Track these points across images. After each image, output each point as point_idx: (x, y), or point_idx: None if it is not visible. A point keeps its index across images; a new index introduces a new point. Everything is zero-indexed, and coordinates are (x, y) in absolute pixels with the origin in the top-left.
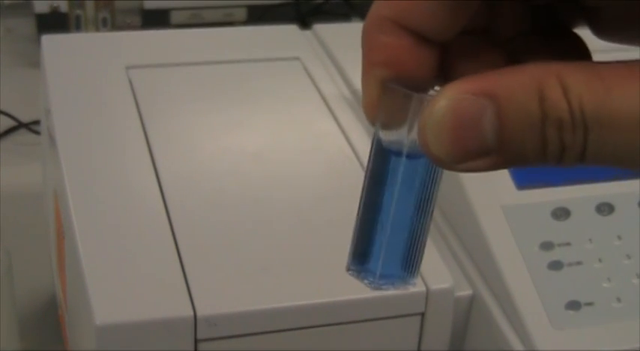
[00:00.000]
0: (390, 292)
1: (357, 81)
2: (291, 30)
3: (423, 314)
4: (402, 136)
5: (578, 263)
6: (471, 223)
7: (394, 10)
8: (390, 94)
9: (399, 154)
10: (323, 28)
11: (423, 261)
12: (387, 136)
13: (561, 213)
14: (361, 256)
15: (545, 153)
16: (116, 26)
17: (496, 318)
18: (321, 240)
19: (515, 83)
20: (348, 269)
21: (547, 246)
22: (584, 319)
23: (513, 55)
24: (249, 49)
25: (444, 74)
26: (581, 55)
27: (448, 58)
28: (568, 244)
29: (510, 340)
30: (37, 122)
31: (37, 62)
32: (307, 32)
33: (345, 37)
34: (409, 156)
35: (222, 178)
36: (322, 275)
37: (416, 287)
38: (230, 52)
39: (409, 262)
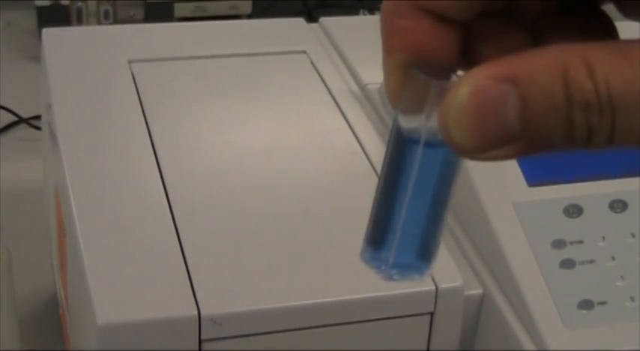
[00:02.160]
0: (400, 290)
1: (364, 75)
2: (297, 23)
3: (432, 314)
4: (421, 124)
5: (591, 261)
6: (481, 220)
7: None
8: (411, 79)
9: (417, 141)
10: (330, 22)
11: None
12: (407, 123)
13: (573, 210)
14: (375, 244)
15: (572, 137)
16: (118, 19)
17: (507, 317)
18: (328, 237)
19: (538, 66)
20: (362, 256)
21: (559, 244)
22: (596, 319)
23: (538, 36)
24: (254, 43)
25: (467, 58)
26: (609, 35)
27: (470, 42)
28: (580, 241)
29: (521, 339)
30: (37, 117)
31: (37, 56)
32: (314, 25)
33: (352, 31)
34: (428, 144)
35: (226, 174)
36: (329, 274)
37: (425, 286)
38: (235, 46)
39: (424, 252)
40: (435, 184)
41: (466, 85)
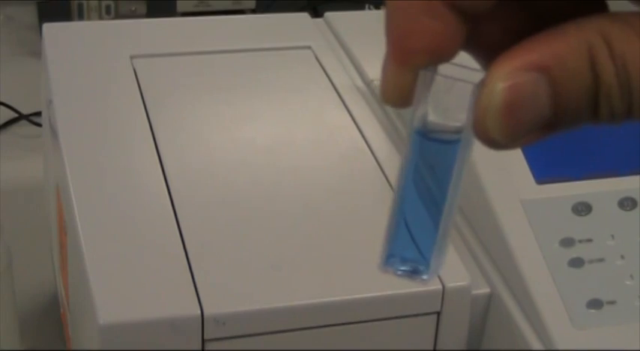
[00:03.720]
0: (406, 289)
1: (370, 71)
2: (302, 18)
3: (439, 313)
4: (434, 121)
5: (600, 260)
6: (488, 218)
7: None
8: (428, 80)
9: (428, 138)
10: (335, 16)
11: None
12: (419, 122)
13: (582, 208)
14: (388, 240)
15: (597, 115)
16: (120, 14)
17: (515, 317)
18: (334, 236)
19: (565, 50)
20: (380, 263)
21: (567, 242)
22: (605, 318)
23: (537, 11)
24: (258, 38)
25: (471, 42)
26: (600, 7)
27: (478, 29)
28: (589, 240)
29: (529, 339)
30: (38, 114)
31: (38, 51)
32: (319, 20)
33: (358, 26)
34: (441, 141)
35: (230, 172)
36: (335, 272)
37: (432, 285)
38: (238, 41)
39: (430, 250)
40: (446, 181)
41: (498, 81)
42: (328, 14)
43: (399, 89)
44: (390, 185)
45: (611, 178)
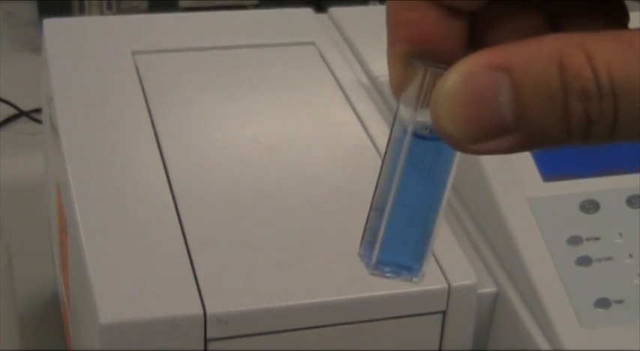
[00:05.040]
0: (411, 288)
1: (374, 67)
2: (305, 13)
3: (444, 312)
4: (413, 114)
5: (608, 259)
6: (495, 216)
7: None
8: (411, 70)
9: (412, 133)
10: (339, 12)
11: (444, 257)
12: (405, 114)
13: (590, 206)
14: (367, 240)
15: (569, 128)
16: (122, 9)
17: (521, 316)
18: (338, 234)
19: (533, 54)
20: (358, 252)
21: (575, 240)
22: (613, 318)
23: (551, 20)
24: (261, 34)
25: (477, 46)
26: (620, 21)
27: (481, 29)
28: (597, 238)
29: (536, 339)
30: (38, 110)
31: (38, 47)
32: (323, 16)
33: (362, 21)
34: (421, 136)
35: (232, 169)
36: (338, 271)
37: (437, 284)
38: (241, 37)
39: (415, 251)
40: (427, 178)
41: (456, 73)
42: (332, 9)
43: (395, 79)
44: None
45: (619, 175)
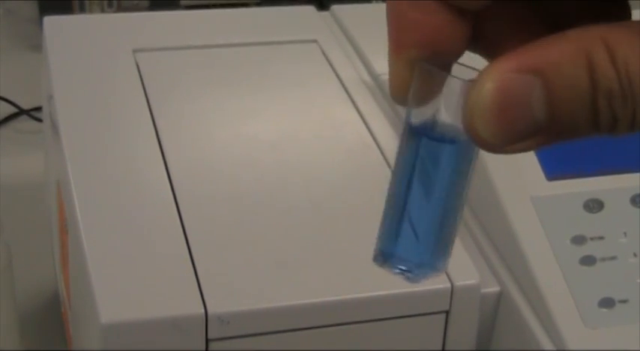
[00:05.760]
0: (414, 287)
1: (377, 65)
2: (308, 11)
3: (447, 312)
4: (436, 119)
5: (612, 258)
6: (498, 215)
7: None
8: (425, 75)
9: (428, 136)
10: (342, 9)
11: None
12: (419, 118)
13: (594, 205)
14: (387, 242)
15: (597, 124)
16: (122, 7)
17: (525, 316)
18: (340, 233)
19: (562, 54)
20: (374, 256)
21: (579, 240)
22: (618, 317)
23: (552, 16)
24: (263, 32)
25: (480, 44)
26: (622, 16)
27: (483, 27)
28: (601, 237)
29: (540, 339)
30: (38, 109)
31: (38, 45)
32: (325, 13)
33: (365, 19)
34: (439, 139)
35: (234, 168)
36: (341, 271)
37: (440, 284)
38: (243, 35)
39: (436, 249)
40: (448, 180)
41: (489, 81)
42: (335, 7)
43: (397, 82)
44: None
45: (624, 174)
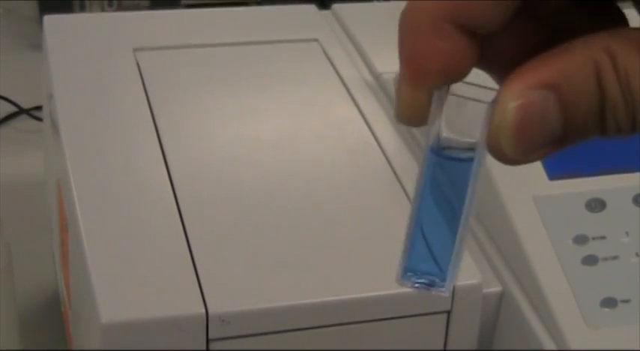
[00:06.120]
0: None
1: (378, 64)
2: (309, 10)
3: (449, 312)
4: (447, 138)
5: (614, 258)
6: (500, 215)
7: (454, 8)
8: (442, 99)
9: (442, 155)
10: (343, 8)
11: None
12: (432, 139)
13: (596, 204)
14: (404, 256)
15: (605, 131)
16: (123, 6)
17: (527, 316)
18: (341, 233)
19: (571, 66)
20: (396, 274)
21: (581, 239)
22: (620, 317)
23: (550, 26)
24: (264, 31)
25: (482, 61)
26: (619, 25)
27: (486, 45)
28: (603, 237)
29: (542, 339)
30: (38, 108)
31: (38, 44)
32: (326, 12)
33: (366, 18)
34: (450, 157)
35: (235, 167)
36: (342, 270)
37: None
38: (244, 34)
39: (446, 262)
40: (459, 195)
41: (511, 100)
42: (336, 6)
43: (414, 109)
44: (399, 180)
45: (625, 174)
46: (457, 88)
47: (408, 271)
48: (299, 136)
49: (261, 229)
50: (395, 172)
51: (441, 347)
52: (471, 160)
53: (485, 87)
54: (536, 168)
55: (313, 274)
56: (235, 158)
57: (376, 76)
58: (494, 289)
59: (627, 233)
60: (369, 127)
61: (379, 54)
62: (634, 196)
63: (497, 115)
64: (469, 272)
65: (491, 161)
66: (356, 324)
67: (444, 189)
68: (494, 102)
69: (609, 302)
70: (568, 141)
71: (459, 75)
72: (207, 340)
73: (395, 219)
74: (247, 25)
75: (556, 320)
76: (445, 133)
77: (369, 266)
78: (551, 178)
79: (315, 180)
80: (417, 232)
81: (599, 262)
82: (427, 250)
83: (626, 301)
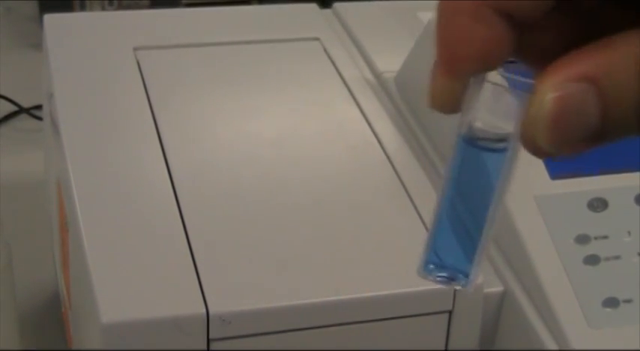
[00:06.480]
0: (417, 287)
1: (379, 63)
2: (310, 9)
3: (450, 312)
4: (481, 128)
5: (616, 257)
6: (502, 214)
7: None
8: (477, 87)
9: (474, 145)
10: (344, 7)
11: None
12: (464, 128)
13: (598, 204)
14: (429, 249)
15: None
16: (123, 5)
17: (528, 316)
18: (343, 232)
19: (612, 61)
20: (418, 267)
21: (583, 239)
22: (622, 317)
23: (586, 19)
24: (265, 29)
25: (520, 51)
26: None
27: (525, 35)
28: (605, 237)
29: (544, 339)
30: (38, 107)
31: (39, 43)
32: (327, 11)
33: (367, 17)
34: (482, 146)
35: (236, 166)
36: (343, 270)
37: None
38: (245, 33)
39: (470, 256)
40: (490, 189)
41: (549, 91)
42: (337, 5)
43: (447, 96)
44: (399, 178)
45: (628, 173)
46: (493, 77)
47: (431, 263)
48: (300, 135)
49: (262, 229)
50: (396, 171)
51: (443, 347)
52: (503, 150)
53: (521, 78)
54: (538, 167)
55: (314, 274)
56: (236, 157)
57: (377, 75)
58: (496, 288)
59: (629, 233)
60: (370, 126)
61: (380, 53)
62: (636, 196)
63: (534, 106)
64: None
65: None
66: (357, 324)
67: (473, 180)
68: (531, 92)
69: (611, 302)
70: (606, 137)
71: (496, 61)
72: (208, 340)
73: (396, 218)
74: (248, 23)
75: (558, 320)
76: (479, 123)
77: (370, 266)
78: (553, 178)
79: (316, 179)
80: (443, 224)
81: (601, 261)
82: (452, 243)
83: (628, 301)
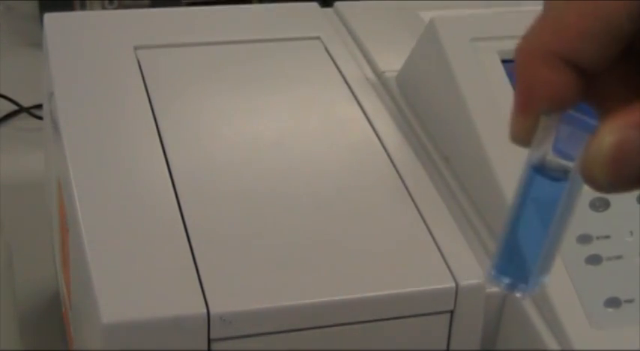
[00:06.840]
0: (418, 287)
1: (380, 62)
2: (311, 8)
3: (452, 312)
4: (550, 160)
5: (619, 257)
6: (504, 214)
7: (564, 46)
8: (549, 124)
9: (544, 174)
10: (345, 6)
11: (453, 256)
12: (536, 159)
13: (600, 204)
14: (498, 258)
15: None
16: (123, 4)
17: (530, 316)
18: (344, 232)
19: None
20: (487, 272)
21: (585, 239)
22: (624, 317)
23: None
24: (265, 29)
25: (589, 96)
26: None
27: (594, 82)
28: (607, 236)
29: (545, 339)
30: (39, 106)
31: (39, 42)
32: (328, 10)
33: (368, 16)
34: (549, 176)
35: (236, 166)
36: (345, 270)
37: (445, 283)
38: (245, 32)
39: (539, 268)
40: (555, 211)
41: (609, 134)
42: (338, 4)
43: (524, 132)
44: (401, 178)
45: None
46: (565, 116)
47: (497, 270)
48: (301, 134)
49: (263, 229)
50: (397, 170)
51: (444, 347)
52: (565, 180)
53: (587, 119)
54: None
55: (316, 274)
56: (237, 156)
57: (378, 75)
58: (497, 288)
59: (631, 233)
60: (371, 125)
61: (381, 52)
62: (638, 196)
63: (594, 147)
64: (472, 272)
65: (495, 162)
66: (358, 324)
67: (540, 204)
68: (594, 133)
69: (613, 302)
70: None
71: (565, 105)
72: (209, 340)
73: (397, 217)
74: (249, 22)
75: (560, 320)
76: (549, 156)
77: (371, 265)
78: None
79: (317, 178)
80: (510, 238)
81: (603, 261)
82: (517, 255)
83: (630, 301)
